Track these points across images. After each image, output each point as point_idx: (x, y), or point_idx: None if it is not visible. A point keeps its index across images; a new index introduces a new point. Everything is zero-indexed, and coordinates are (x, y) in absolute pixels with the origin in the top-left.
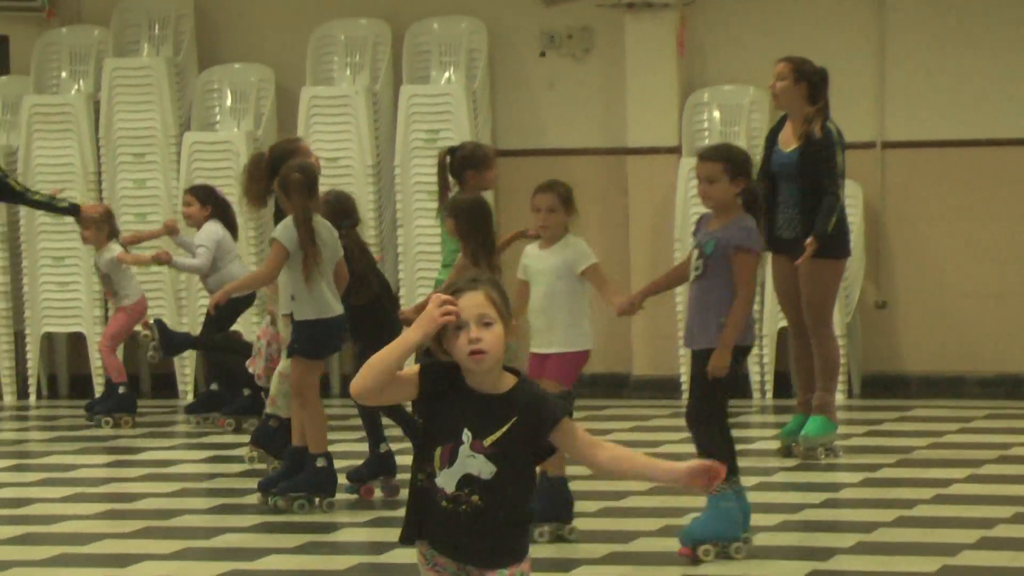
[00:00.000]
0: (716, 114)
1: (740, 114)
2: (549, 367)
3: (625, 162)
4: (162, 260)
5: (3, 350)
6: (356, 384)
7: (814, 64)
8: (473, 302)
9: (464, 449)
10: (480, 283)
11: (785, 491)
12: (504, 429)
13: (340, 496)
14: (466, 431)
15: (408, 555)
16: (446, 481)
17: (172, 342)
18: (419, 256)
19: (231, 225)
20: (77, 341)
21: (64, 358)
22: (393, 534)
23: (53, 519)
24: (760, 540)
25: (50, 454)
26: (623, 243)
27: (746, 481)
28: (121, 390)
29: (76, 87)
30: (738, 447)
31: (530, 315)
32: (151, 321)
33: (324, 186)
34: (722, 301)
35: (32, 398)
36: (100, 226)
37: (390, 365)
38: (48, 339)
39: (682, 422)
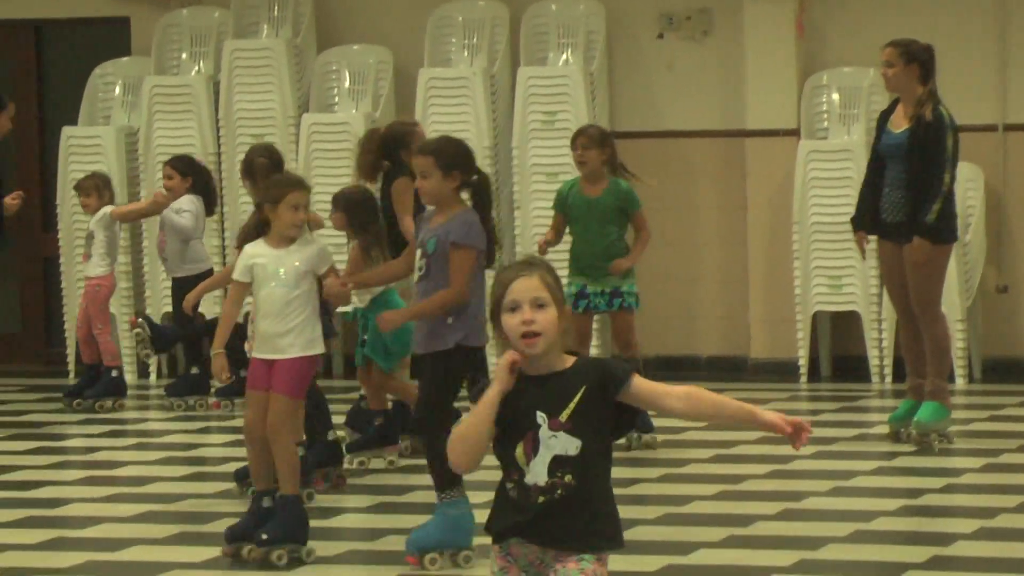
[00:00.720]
0: (835, 96)
1: (859, 96)
2: (278, 372)
3: (744, 144)
4: (159, 202)
5: (125, 331)
6: (459, 464)
7: (920, 42)
8: (527, 285)
9: (544, 432)
10: (535, 267)
11: (905, 476)
12: (577, 399)
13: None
14: (539, 414)
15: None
16: (537, 473)
17: (163, 337)
18: (536, 238)
19: (211, 199)
20: None
21: None
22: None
23: (175, 497)
24: (880, 525)
25: (170, 433)
26: (741, 226)
27: (865, 465)
28: (114, 373)
29: (196, 68)
30: (856, 431)
31: (261, 319)
32: (139, 319)
33: None
34: None
35: (152, 377)
36: (101, 192)
37: (483, 434)
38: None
39: (801, 405)
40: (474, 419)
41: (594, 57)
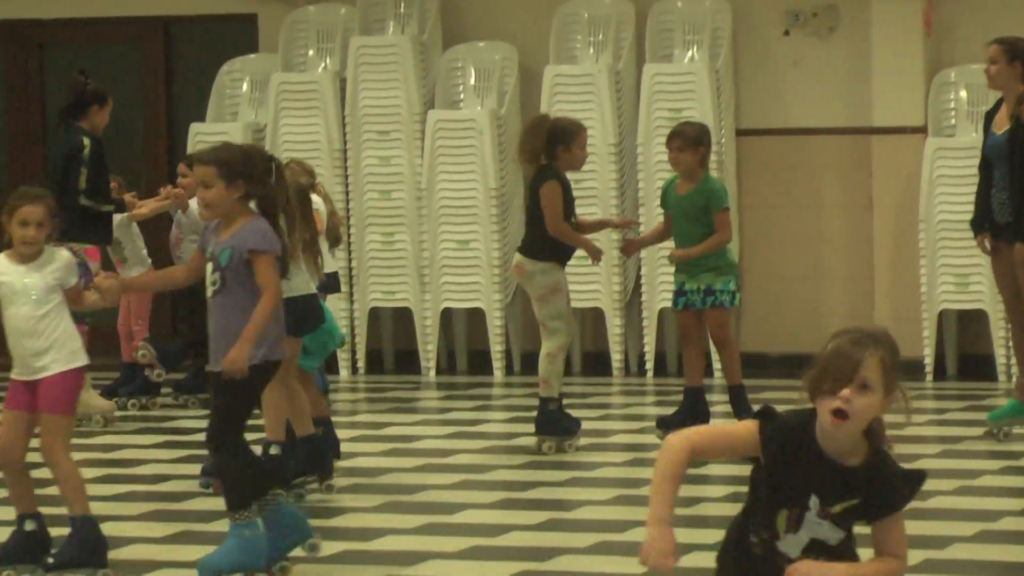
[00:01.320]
0: (963, 94)
1: (987, 93)
2: (44, 392)
3: (870, 142)
4: (179, 196)
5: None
6: None
7: None
8: (867, 362)
9: (811, 515)
10: (880, 344)
11: None
12: (853, 502)
13: (576, 474)
14: (813, 497)
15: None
16: (791, 546)
17: (169, 355)
18: None
19: None
20: (403, 316)
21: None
22: (632, 512)
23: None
24: (1006, 524)
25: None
26: (867, 223)
27: (991, 465)
28: (147, 372)
29: (323, 65)
30: (982, 430)
31: (16, 340)
32: (140, 344)
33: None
34: (248, 313)
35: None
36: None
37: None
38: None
39: (927, 404)
40: None
41: (720, 54)
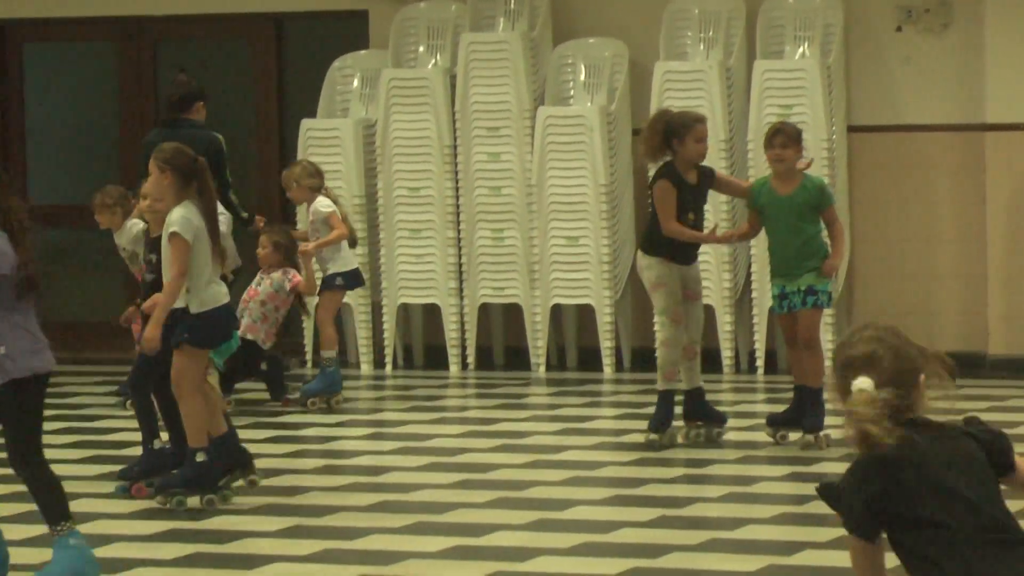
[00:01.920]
0: None
1: None
2: None
3: (983, 138)
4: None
5: (361, 320)
6: None
7: None
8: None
9: None
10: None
11: None
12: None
13: (687, 470)
14: None
15: (821, 557)
16: None
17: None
18: None
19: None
20: (432, 312)
21: (420, 329)
22: (744, 510)
23: (409, 487)
24: None
25: (406, 423)
26: (980, 220)
27: None
28: None
29: (433, 61)
30: None
31: None
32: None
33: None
34: None
35: (388, 368)
36: (113, 209)
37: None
38: (404, 310)
39: None
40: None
41: (831, 50)
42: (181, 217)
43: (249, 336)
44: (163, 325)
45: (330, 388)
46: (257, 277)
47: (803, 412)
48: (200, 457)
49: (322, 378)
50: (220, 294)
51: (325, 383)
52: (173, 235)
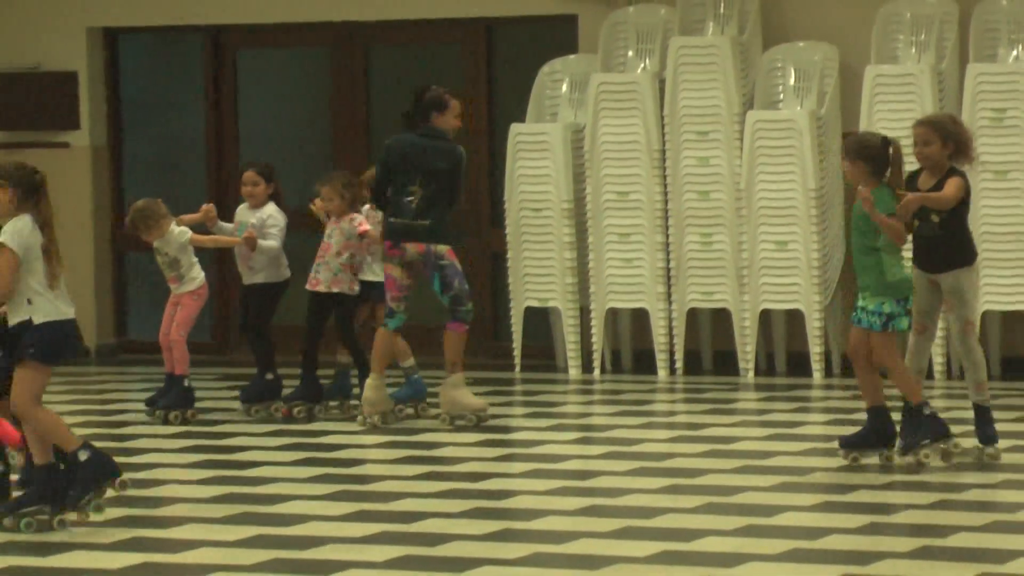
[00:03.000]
0: None
1: None
2: None
3: None
4: (252, 242)
5: (569, 325)
6: None
7: None
8: None
9: None
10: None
11: None
12: None
13: (897, 477)
14: None
15: (974, 539)
16: None
17: (253, 393)
18: (985, 237)
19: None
20: (640, 317)
21: (627, 334)
22: (953, 517)
23: (618, 492)
24: None
25: (614, 428)
26: None
27: None
28: (186, 383)
29: (642, 65)
30: None
31: None
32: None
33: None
34: None
35: (596, 372)
36: (168, 218)
37: None
38: (612, 314)
39: None
40: None
41: None
42: (12, 230)
43: (335, 289)
44: (10, 339)
45: (417, 395)
46: (328, 229)
47: (878, 433)
48: (84, 455)
49: (408, 386)
50: (64, 309)
51: (413, 390)
52: (1, 247)
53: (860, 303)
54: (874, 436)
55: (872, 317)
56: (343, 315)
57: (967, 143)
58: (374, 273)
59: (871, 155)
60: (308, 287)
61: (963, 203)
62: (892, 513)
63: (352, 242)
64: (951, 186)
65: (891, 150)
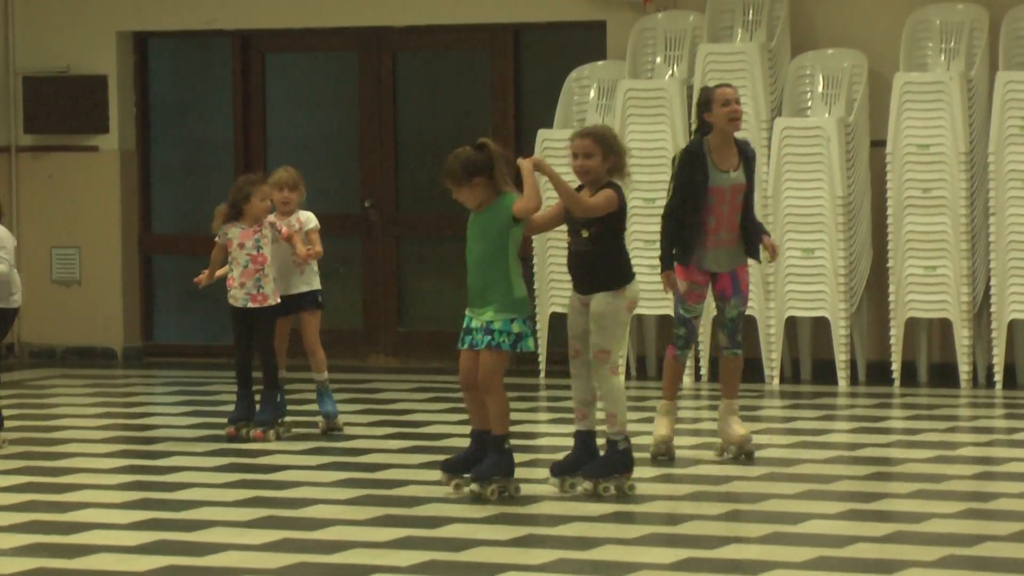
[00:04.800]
0: None
1: None
2: None
3: None
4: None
5: None
6: None
7: None
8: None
9: None
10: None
11: None
12: None
13: (923, 486)
14: None
15: (1000, 549)
16: None
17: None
18: (1011, 246)
19: None
20: (665, 323)
21: (653, 340)
22: (983, 527)
23: (642, 498)
24: None
25: (639, 434)
26: None
27: None
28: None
29: (670, 72)
30: None
31: None
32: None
33: (929, 173)
34: None
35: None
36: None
37: None
38: (638, 320)
39: None
40: None
41: None
42: None
43: (276, 302)
44: None
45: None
46: (250, 239)
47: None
48: None
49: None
50: None
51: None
52: None
53: (481, 321)
54: (587, 456)
55: (501, 336)
56: (271, 327)
57: (624, 157)
58: (308, 284)
59: (479, 167)
60: (252, 304)
61: (618, 220)
62: (918, 522)
63: (274, 249)
64: (601, 196)
65: (487, 151)
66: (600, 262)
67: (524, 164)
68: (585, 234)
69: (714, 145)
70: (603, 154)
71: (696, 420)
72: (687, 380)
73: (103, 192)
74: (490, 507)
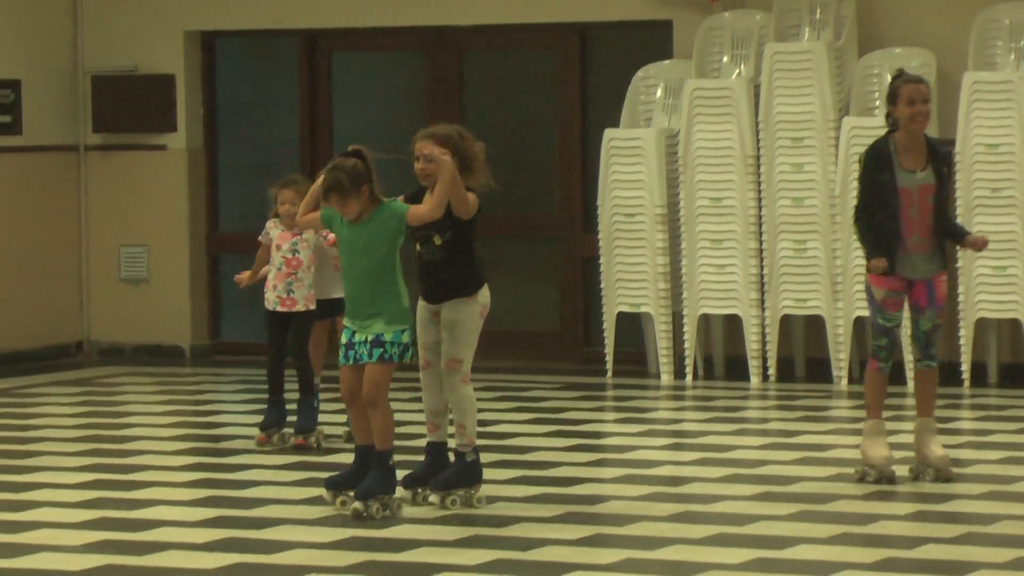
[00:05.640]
0: None
1: None
2: None
3: None
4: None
5: (661, 330)
6: None
7: None
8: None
9: None
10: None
11: None
12: None
13: (993, 487)
14: None
15: None
16: None
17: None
18: None
19: None
20: (733, 323)
21: (720, 339)
22: None
23: (709, 499)
24: None
25: (707, 434)
26: None
27: None
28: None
29: (737, 71)
30: None
31: None
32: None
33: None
34: None
35: (688, 378)
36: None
37: None
38: (705, 320)
39: None
40: None
41: None
42: None
43: (311, 306)
44: None
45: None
46: (287, 242)
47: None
48: None
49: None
50: None
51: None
52: None
53: (368, 334)
54: (439, 468)
55: (393, 348)
56: (306, 333)
57: (473, 158)
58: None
59: (364, 176)
60: (281, 308)
61: (472, 226)
62: (988, 523)
63: (314, 255)
64: (466, 196)
65: (365, 159)
66: (453, 269)
67: (448, 166)
68: (439, 241)
69: (900, 142)
70: (449, 156)
71: (764, 420)
72: (754, 380)
73: (171, 191)
74: (558, 506)
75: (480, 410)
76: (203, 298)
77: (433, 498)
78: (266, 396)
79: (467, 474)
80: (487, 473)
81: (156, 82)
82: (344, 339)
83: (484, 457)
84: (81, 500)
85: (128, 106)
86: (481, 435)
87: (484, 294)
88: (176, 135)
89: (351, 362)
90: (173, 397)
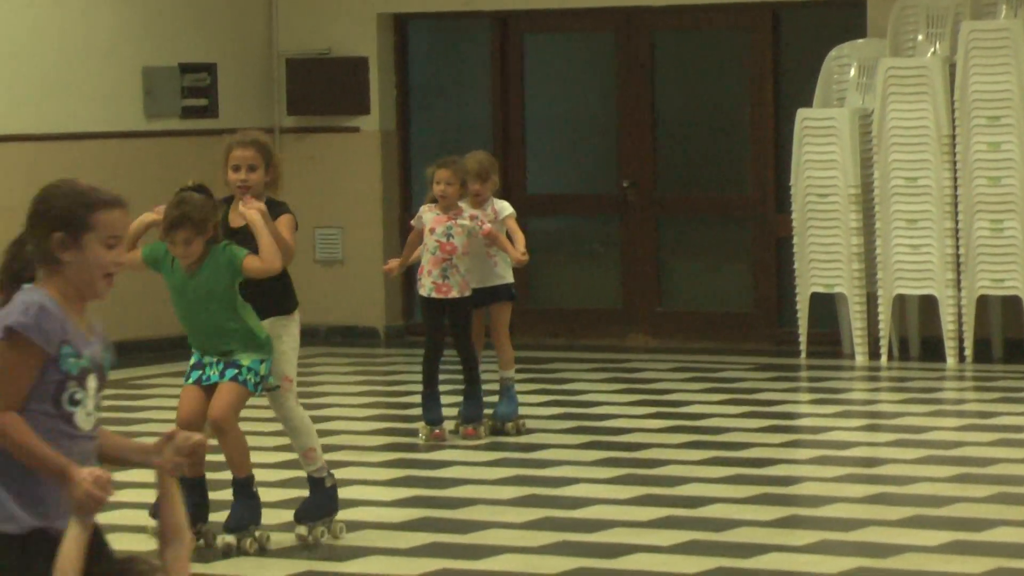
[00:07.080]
0: None
1: None
2: None
3: None
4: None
5: (856, 311)
6: None
7: None
8: None
9: None
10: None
11: None
12: None
13: None
14: None
15: None
16: None
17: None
18: None
19: None
20: (928, 303)
21: (915, 320)
22: None
23: (906, 480)
24: None
25: (902, 415)
26: None
27: None
28: None
29: (932, 50)
30: None
31: None
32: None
33: None
34: None
35: (883, 359)
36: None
37: None
38: (900, 301)
39: None
40: None
41: None
42: None
43: (467, 293)
44: None
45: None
46: (441, 226)
47: None
48: None
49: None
50: None
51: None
52: None
53: (225, 358)
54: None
55: (249, 373)
56: (466, 321)
57: (279, 168)
58: (501, 277)
59: (208, 217)
60: (436, 294)
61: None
62: None
63: (468, 242)
64: (284, 225)
65: (211, 198)
66: (276, 287)
67: (254, 216)
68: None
69: None
70: (265, 166)
71: (960, 401)
72: (950, 361)
73: (364, 173)
74: (752, 487)
75: (671, 391)
76: (397, 279)
77: (301, 531)
78: (454, 375)
79: (331, 502)
80: (677, 453)
81: (349, 64)
82: (192, 360)
83: (674, 438)
84: (274, 480)
85: (322, 89)
86: (673, 416)
87: (298, 312)
88: (369, 117)
89: (192, 381)
90: (367, 378)
